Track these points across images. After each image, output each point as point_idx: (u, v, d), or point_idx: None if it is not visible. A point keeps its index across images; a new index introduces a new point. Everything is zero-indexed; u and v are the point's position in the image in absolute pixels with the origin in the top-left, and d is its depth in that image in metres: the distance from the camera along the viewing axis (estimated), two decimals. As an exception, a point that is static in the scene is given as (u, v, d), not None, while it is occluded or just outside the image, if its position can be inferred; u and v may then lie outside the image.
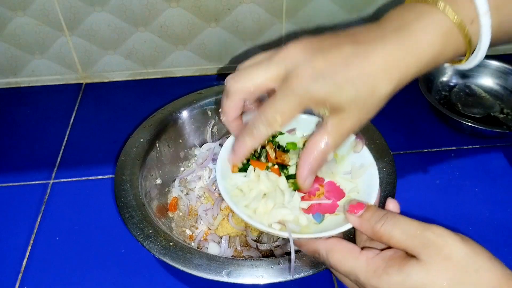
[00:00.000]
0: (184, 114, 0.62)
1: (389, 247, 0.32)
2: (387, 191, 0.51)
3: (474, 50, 0.36)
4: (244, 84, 0.37)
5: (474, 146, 0.67)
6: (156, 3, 0.71)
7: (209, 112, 0.63)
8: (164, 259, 0.44)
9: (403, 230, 0.31)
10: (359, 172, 0.41)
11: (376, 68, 0.33)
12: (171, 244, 0.45)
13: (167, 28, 0.74)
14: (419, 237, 0.30)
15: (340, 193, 0.41)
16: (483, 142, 0.67)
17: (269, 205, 0.38)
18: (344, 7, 0.75)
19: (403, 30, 0.34)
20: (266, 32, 0.76)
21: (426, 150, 0.66)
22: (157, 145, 0.58)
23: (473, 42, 0.35)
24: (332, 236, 0.35)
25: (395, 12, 0.35)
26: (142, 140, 0.58)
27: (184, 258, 0.44)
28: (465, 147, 0.67)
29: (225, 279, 0.42)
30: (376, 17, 0.76)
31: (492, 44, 0.35)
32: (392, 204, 0.35)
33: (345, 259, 0.33)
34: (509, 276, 0.30)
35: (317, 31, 0.77)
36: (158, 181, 0.58)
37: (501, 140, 0.67)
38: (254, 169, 0.40)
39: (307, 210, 0.39)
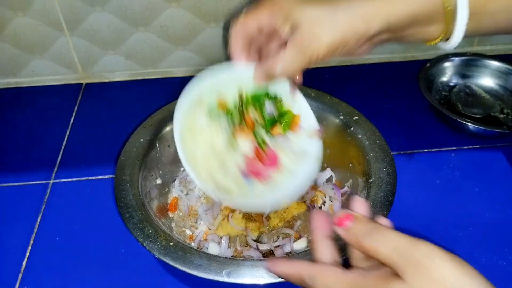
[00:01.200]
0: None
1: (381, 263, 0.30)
2: (387, 191, 0.51)
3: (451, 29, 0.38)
4: (247, 22, 0.41)
5: (474, 146, 0.67)
6: (156, 3, 0.71)
7: None
8: (164, 259, 0.44)
9: (390, 246, 0.28)
10: (300, 157, 0.45)
11: (360, 15, 0.37)
12: (171, 244, 0.45)
13: (167, 28, 0.74)
14: (406, 256, 0.27)
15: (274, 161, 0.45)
16: (483, 142, 0.67)
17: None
18: (344, 7, 0.75)
19: None
20: (266, 32, 0.76)
21: (426, 150, 0.66)
22: (157, 145, 0.58)
23: (450, 16, 0.38)
24: (315, 260, 0.33)
25: None
26: (142, 140, 0.58)
27: (184, 258, 0.44)
28: (465, 147, 0.67)
29: (225, 279, 0.42)
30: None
31: (472, 29, 0.38)
32: (384, 222, 0.33)
33: (332, 282, 0.30)
34: None
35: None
36: (158, 181, 0.58)
37: (501, 140, 0.67)
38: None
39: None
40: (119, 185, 0.52)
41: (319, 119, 0.62)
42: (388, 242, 0.29)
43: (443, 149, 0.66)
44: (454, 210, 0.58)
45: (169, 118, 0.61)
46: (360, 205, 0.33)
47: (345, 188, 0.58)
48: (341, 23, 0.38)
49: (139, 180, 0.53)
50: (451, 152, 0.66)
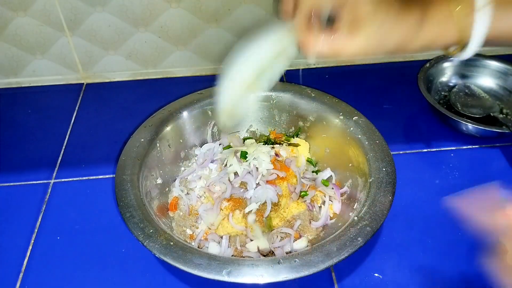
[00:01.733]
0: (185, 114, 0.62)
1: None
2: (387, 190, 0.51)
3: (467, 42, 0.39)
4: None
5: (474, 146, 0.67)
6: (157, 4, 0.71)
7: (209, 112, 0.63)
8: (165, 259, 0.44)
9: None
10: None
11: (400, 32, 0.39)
12: (172, 243, 0.46)
13: (168, 28, 0.74)
14: None
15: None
16: (482, 142, 0.67)
17: None
18: (344, 7, 0.75)
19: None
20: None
21: (426, 150, 0.66)
22: (158, 145, 0.59)
23: (466, 34, 0.39)
24: None
25: None
26: (142, 140, 0.58)
27: (184, 258, 0.44)
28: (465, 147, 0.67)
29: (225, 278, 0.43)
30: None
31: (488, 41, 0.39)
32: None
33: None
34: None
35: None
36: (159, 181, 0.58)
37: (501, 140, 0.67)
38: None
39: None
40: (119, 185, 0.52)
41: (319, 119, 0.63)
42: None
43: (442, 149, 0.67)
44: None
45: (169, 118, 0.61)
46: None
47: (345, 188, 0.58)
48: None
49: (140, 179, 0.54)
50: (450, 152, 0.66)
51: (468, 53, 0.40)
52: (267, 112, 0.66)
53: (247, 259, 0.45)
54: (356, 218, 0.47)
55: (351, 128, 0.58)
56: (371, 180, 0.52)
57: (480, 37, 0.38)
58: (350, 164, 0.58)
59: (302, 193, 0.57)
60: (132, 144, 0.57)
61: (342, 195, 0.57)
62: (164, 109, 0.62)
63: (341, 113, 0.60)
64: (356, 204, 0.52)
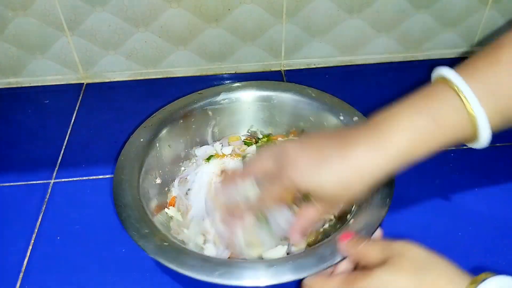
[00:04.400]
0: (185, 114, 0.62)
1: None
2: (385, 193, 0.50)
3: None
4: (250, 165, 0.47)
5: (474, 146, 0.67)
6: (157, 4, 0.71)
7: (209, 112, 0.63)
8: (158, 259, 0.44)
9: (377, 247, 0.37)
10: None
11: (350, 171, 0.40)
12: (166, 244, 0.45)
13: (168, 28, 0.74)
14: (387, 249, 0.36)
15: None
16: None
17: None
18: (344, 7, 0.75)
19: (376, 134, 0.39)
20: (266, 32, 0.76)
21: (426, 150, 0.66)
22: (157, 145, 0.58)
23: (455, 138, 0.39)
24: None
25: (375, 117, 0.41)
26: (142, 140, 0.58)
27: (178, 259, 0.44)
28: (465, 147, 0.67)
29: (216, 280, 0.42)
30: (377, 17, 0.76)
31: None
32: (376, 232, 0.43)
33: (323, 282, 0.40)
34: (462, 272, 0.36)
35: (317, 31, 0.77)
36: (158, 181, 0.58)
37: (500, 140, 0.67)
38: None
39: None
40: (117, 185, 0.52)
41: (319, 119, 0.62)
42: (375, 245, 0.38)
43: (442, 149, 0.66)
44: (453, 210, 0.58)
45: (169, 118, 0.61)
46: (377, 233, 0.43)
47: None
48: (334, 177, 0.41)
49: (139, 180, 0.53)
50: (450, 152, 0.66)
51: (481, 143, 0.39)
52: (268, 112, 0.65)
53: (241, 261, 0.45)
54: (351, 222, 0.47)
55: None
56: None
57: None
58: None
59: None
60: (131, 144, 0.57)
61: None
62: (164, 109, 0.62)
63: (341, 113, 0.60)
64: (353, 206, 0.52)
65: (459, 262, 0.52)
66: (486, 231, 0.56)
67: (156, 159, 0.58)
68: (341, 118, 0.60)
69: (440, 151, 0.39)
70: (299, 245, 0.50)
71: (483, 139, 0.38)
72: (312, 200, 0.44)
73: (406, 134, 0.38)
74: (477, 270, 0.51)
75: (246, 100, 0.64)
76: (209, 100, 0.63)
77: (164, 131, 0.60)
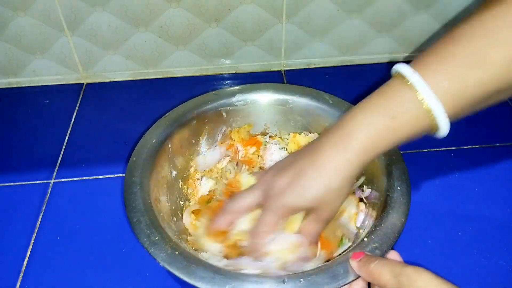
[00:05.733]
0: (198, 114, 0.60)
1: None
2: (400, 211, 0.48)
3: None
4: (239, 205, 0.47)
5: (474, 146, 0.67)
6: (157, 3, 0.71)
7: (223, 114, 0.62)
8: (169, 268, 0.43)
9: (389, 269, 0.37)
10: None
11: (329, 174, 0.42)
12: (177, 253, 0.44)
13: (168, 28, 0.74)
14: (400, 274, 0.36)
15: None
16: (483, 142, 0.67)
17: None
18: (344, 7, 0.75)
19: (340, 136, 0.42)
20: (266, 32, 0.76)
21: (426, 150, 0.66)
22: (170, 145, 0.57)
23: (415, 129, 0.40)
24: None
25: (339, 120, 0.43)
26: (154, 140, 0.56)
27: (189, 269, 0.42)
28: (465, 147, 0.67)
29: None
30: (377, 17, 0.76)
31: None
32: (393, 255, 0.42)
33: None
34: None
35: (317, 31, 0.77)
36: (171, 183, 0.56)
37: (500, 140, 0.67)
38: None
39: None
40: (128, 188, 0.50)
41: (319, 120, 0.62)
42: (389, 266, 0.37)
43: (443, 149, 0.67)
44: (453, 210, 0.58)
45: (182, 118, 0.59)
46: (394, 255, 0.42)
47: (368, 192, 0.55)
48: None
49: (150, 182, 0.52)
50: (451, 152, 0.66)
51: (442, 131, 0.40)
52: (283, 116, 0.63)
53: (252, 275, 0.43)
54: (366, 239, 0.45)
55: None
56: (385, 197, 0.50)
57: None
58: (364, 178, 0.55)
59: None
60: (143, 144, 0.55)
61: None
62: (177, 108, 0.60)
63: (341, 114, 0.60)
64: (367, 220, 0.51)
65: (459, 262, 0.53)
66: (486, 231, 0.56)
67: (168, 159, 0.56)
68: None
69: (409, 142, 0.41)
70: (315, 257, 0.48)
71: (443, 130, 0.39)
72: (308, 216, 0.45)
73: (367, 133, 0.40)
74: (477, 270, 0.52)
75: (262, 102, 0.63)
76: (224, 101, 0.61)
77: (176, 132, 0.58)
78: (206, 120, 0.61)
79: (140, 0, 0.71)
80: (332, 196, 0.43)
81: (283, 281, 0.41)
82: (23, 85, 0.80)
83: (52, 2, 0.70)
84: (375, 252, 0.43)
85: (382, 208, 0.49)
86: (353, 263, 0.41)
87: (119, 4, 0.71)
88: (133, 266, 0.53)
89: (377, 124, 0.40)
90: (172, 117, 0.59)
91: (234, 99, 0.62)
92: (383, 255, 0.43)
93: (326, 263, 0.45)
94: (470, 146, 0.67)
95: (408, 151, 0.66)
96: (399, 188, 0.50)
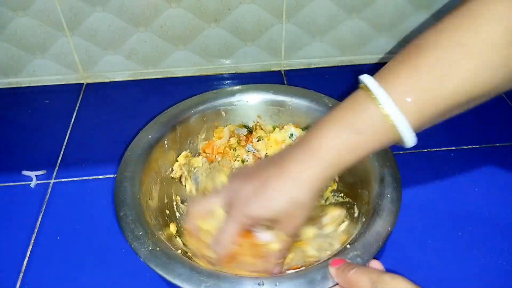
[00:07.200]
0: (197, 113, 0.60)
1: None
2: (387, 221, 0.48)
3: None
4: (201, 208, 0.47)
5: (474, 146, 0.67)
6: (157, 3, 0.71)
7: (223, 113, 0.62)
8: (148, 264, 0.43)
9: (367, 277, 0.37)
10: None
11: (294, 185, 0.41)
12: (158, 249, 0.44)
13: (168, 28, 0.74)
14: (377, 281, 0.36)
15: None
16: (483, 142, 0.67)
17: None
18: (344, 7, 0.75)
19: (307, 150, 0.41)
20: (266, 32, 0.76)
21: (425, 150, 0.66)
22: (166, 143, 0.57)
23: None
24: None
25: (306, 135, 0.42)
26: (150, 137, 0.56)
27: (168, 266, 0.43)
28: (465, 147, 0.67)
29: None
30: (377, 17, 0.76)
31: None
32: (374, 264, 0.42)
33: None
34: None
35: (317, 31, 0.77)
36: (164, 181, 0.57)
37: (500, 140, 0.67)
38: None
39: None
40: (119, 182, 0.51)
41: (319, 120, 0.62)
42: (366, 274, 0.37)
43: (443, 149, 0.67)
44: (453, 210, 0.58)
45: (180, 116, 0.59)
46: (377, 265, 0.42)
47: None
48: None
49: (142, 177, 0.52)
50: (450, 152, 0.66)
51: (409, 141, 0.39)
52: (281, 116, 0.64)
53: (230, 275, 0.43)
54: (348, 246, 0.45)
55: None
56: (372, 205, 0.49)
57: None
58: (359, 181, 0.55)
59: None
60: (138, 141, 0.56)
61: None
62: (175, 106, 0.60)
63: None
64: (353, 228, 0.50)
65: (459, 262, 0.53)
66: (486, 231, 0.56)
67: (163, 157, 0.57)
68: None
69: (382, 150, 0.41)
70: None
71: (408, 142, 0.39)
72: (272, 229, 0.44)
73: (333, 148, 0.40)
74: (477, 270, 0.52)
75: (260, 102, 0.63)
76: (223, 100, 0.62)
77: (173, 130, 0.58)
78: (204, 119, 0.61)
79: (140, 0, 0.71)
80: (296, 209, 0.42)
81: (260, 284, 0.41)
82: (23, 85, 0.80)
83: (52, 2, 0.70)
84: (356, 260, 0.43)
85: (370, 215, 0.48)
86: (332, 270, 0.41)
87: (119, 4, 0.71)
88: (133, 266, 0.53)
89: (343, 139, 0.39)
90: (170, 115, 0.59)
91: (234, 98, 0.62)
92: (365, 264, 0.42)
93: (305, 268, 0.45)
94: (470, 146, 0.67)
95: (408, 151, 0.66)
96: (389, 195, 0.49)
